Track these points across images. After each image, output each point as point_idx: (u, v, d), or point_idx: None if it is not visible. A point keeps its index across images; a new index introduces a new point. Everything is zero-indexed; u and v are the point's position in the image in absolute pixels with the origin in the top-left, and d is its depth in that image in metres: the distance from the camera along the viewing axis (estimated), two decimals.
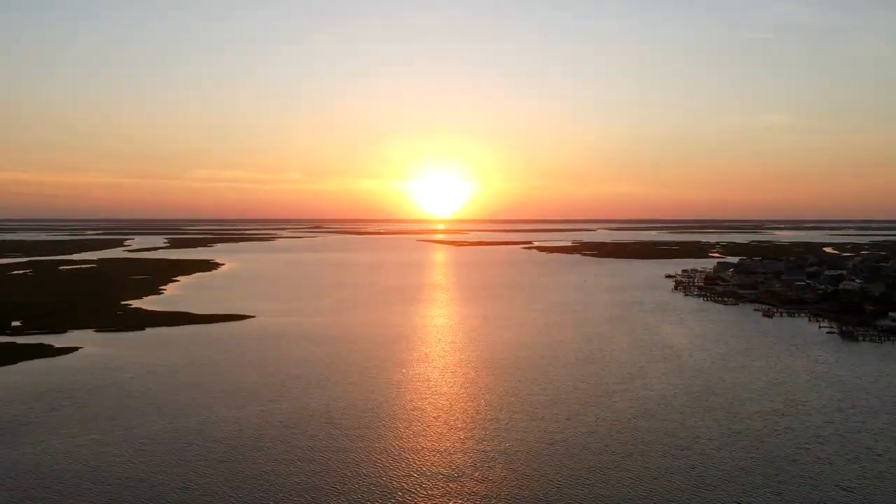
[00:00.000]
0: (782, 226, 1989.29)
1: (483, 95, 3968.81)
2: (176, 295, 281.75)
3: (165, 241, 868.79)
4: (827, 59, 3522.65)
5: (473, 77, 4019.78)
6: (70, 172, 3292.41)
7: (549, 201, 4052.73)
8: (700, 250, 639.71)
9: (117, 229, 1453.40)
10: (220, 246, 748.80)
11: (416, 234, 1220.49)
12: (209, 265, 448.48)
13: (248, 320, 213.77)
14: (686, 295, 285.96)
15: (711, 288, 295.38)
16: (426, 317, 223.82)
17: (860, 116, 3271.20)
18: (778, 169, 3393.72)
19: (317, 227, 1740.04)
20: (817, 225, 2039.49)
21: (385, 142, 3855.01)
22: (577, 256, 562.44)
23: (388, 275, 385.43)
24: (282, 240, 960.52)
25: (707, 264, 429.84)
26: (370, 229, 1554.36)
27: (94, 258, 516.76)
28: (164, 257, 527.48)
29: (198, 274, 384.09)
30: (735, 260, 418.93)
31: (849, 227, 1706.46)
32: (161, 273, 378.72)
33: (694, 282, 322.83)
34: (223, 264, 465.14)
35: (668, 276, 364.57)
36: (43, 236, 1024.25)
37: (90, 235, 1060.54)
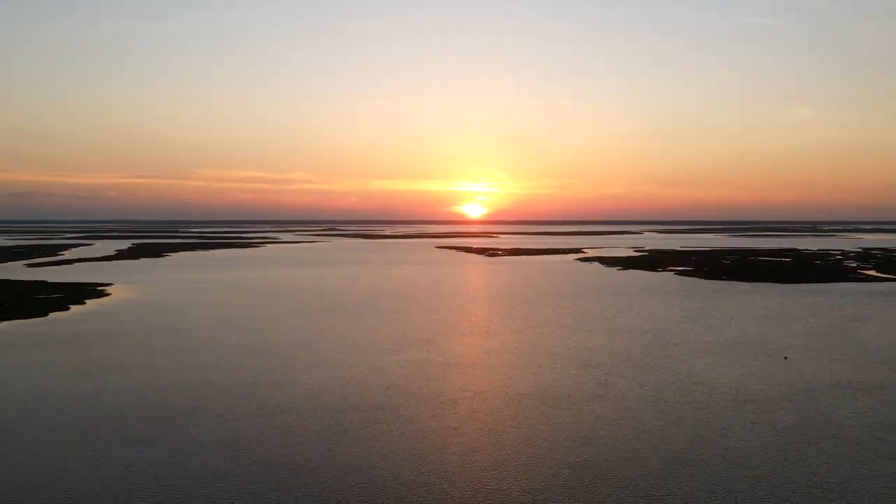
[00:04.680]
0: (839, 227, 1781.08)
1: (490, 93, 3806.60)
2: None
3: (122, 248, 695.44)
4: (836, 46, 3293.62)
5: (480, 74, 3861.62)
6: (82, 174, 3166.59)
7: (567, 201, 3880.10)
8: (829, 267, 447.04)
9: (105, 231, 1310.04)
10: (179, 256, 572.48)
11: (435, 238, 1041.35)
12: (72, 298, 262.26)
13: None
14: None
15: None
16: None
17: (881, 106, 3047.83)
18: (807, 166, 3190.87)
19: (331, 229, 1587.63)
20: (876, 227, 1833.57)
21: (398, 141, 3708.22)
22: (669, 277, 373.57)
23: (364, 334, 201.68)
24: (273, 245, 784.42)
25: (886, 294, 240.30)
26: (387, 232, 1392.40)
27: None
28: (44, 279, 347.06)
29: (10, 323, 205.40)
30: None
31: None
32: None
33: None
34: (107, 294, 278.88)
35: None
36: (0, 240, 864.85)
37: (64, 240, 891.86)
